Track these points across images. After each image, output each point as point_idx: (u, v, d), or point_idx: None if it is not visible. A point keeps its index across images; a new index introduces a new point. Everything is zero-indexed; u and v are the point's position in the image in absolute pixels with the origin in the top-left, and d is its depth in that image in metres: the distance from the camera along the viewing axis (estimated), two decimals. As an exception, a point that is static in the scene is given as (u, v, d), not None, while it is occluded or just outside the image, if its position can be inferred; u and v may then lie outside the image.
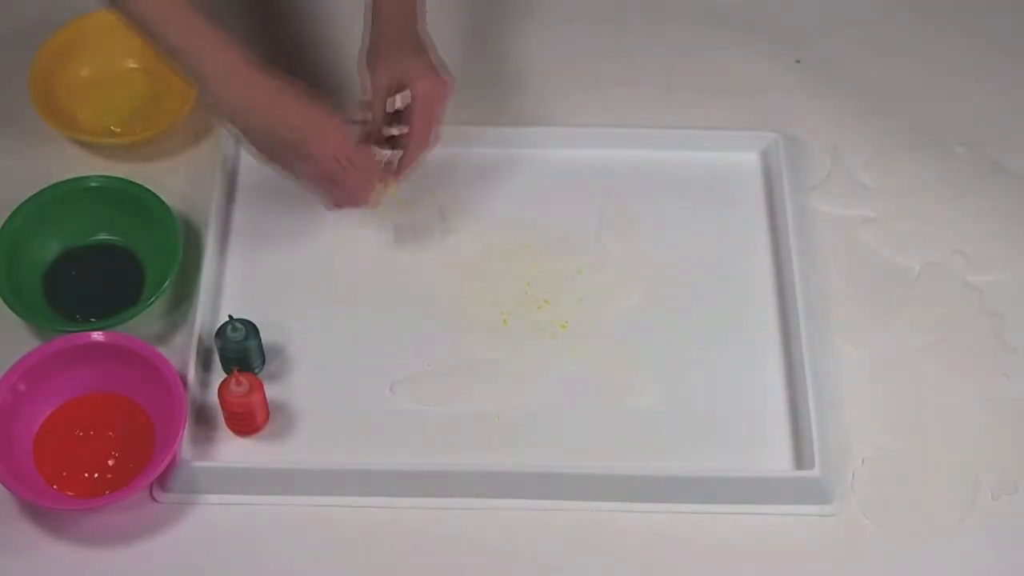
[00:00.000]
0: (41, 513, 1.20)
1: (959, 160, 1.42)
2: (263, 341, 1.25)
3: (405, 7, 1.30)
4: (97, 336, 1.24)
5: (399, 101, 1.28)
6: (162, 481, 1.20)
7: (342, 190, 1.27)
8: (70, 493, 1.21)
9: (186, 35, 1.20)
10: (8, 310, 1.27)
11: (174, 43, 1.20)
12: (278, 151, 1.25)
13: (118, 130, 1.41)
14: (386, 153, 1.29)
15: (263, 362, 1.27)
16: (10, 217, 1.31)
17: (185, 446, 1.21)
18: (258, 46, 1.24)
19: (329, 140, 1.24)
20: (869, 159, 1.42)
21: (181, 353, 1.26)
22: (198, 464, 1.21)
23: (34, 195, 1.32)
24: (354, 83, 1.33)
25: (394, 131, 1.29)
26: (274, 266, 1.33)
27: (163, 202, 1.32)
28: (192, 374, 1.24)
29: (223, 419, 1.24)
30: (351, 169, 1.25)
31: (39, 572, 1.18)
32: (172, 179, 1.37)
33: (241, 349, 1.23)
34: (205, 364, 1.27)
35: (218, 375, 1.26)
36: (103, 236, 1.34)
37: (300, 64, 1.44)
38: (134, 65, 1.45)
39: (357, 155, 1.26)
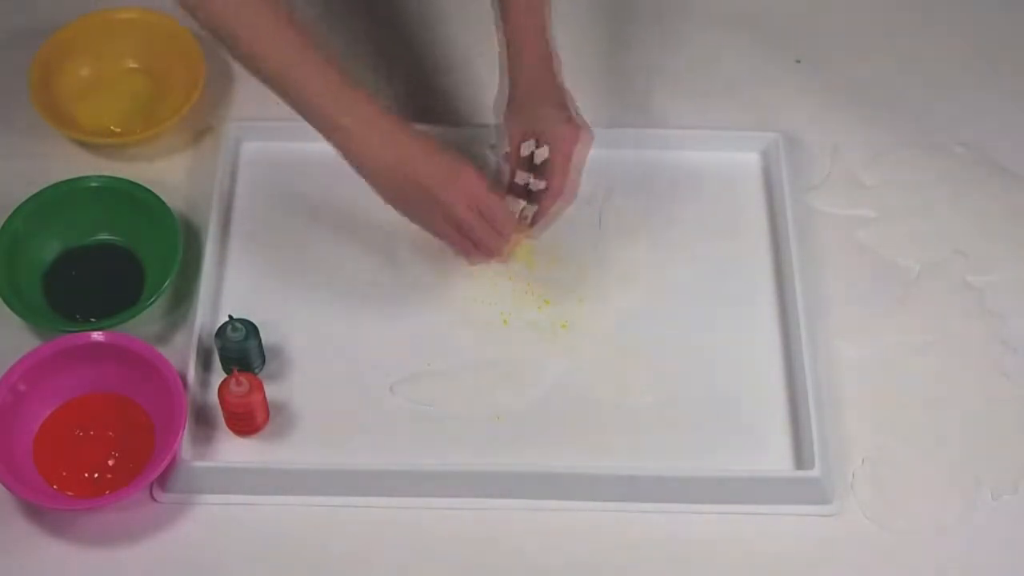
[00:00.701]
0: (41, 513, 1.20)
1: (959, 160, 1.42)
2: (263, 341, 1.25)
3: (539, 55, 1.27)
4: (97, 336, 1.24)
5: (533, 151, 1.26)
6: (162, 481, 1.20)
7: (475, 242, 1.25)
8: (70, 493, 1.21)
9: (318, 93, 1.18)
10: (8, 310, 1.27)
11: (306, 101, 1.19)
12: (412, 204, 1.24)
13: (118, 130, 1.41)
14: (521, 204, 1.28)
15: (263, 362, 1.27)
16: (10, 217, 1.31)
17: (185, 446, 1.21)
18: (385, 94, 1.23)
19: (461, 191, 1.22)
20: (869, 159, 1.42)
21: (181, 353, 1.26)
22: (198, 464, 1.21)
23: (34, 195, 1.32)
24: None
25: (529, 181, 1.27)
26: (274, 266, 1.33)
27: (163, 202, 1.32)
28: (192, 374, 1.24)
29: (223, 419, 1.24)
30: (484, 221, 1.24)
31: (39, 572, 1.18)
32: (172, 179, 1.37)
33: (241, 349, 1.23)
34: (205, 364, 1.27)
35: (218, 375, 1.26)
36: (103, 236, 1.34)
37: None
38: (134, 65, 1.45)
39: (491, 205, 1.24)
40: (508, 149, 1.28)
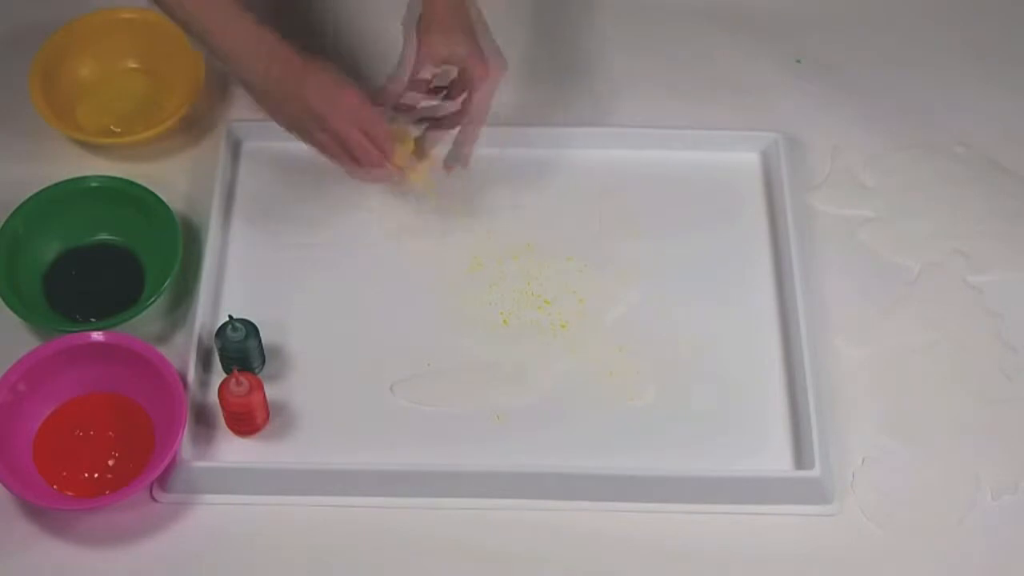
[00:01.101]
0: (41, 513, 1.20)
1: (959, 160, 1.42)
2: (263, 341, 1.25)
3: None
4: (97, 336, 1.24)
5: (433, 75, 1.28)
6: (162, 481, 1.20)
7: (354, 159, 1.27)
8: (70, 493, 1.21)
9: (211, 16, 1.22)
10: (8, 310, 1.27)
11: (201, 25, 1.22)
12: (293, 120, 1.25)
13: (118, 130, 1.41)
14: (410, 128, 1.30)
15: (263, 362, 1.27)
16: (10, 217, 1.31)
17: (185, 446, 1.21)
18: (285, 29, 1.25)
19: (342, 107, 1.24)
20: (869, 159, 1.42)
21: (181, 353, 1.26)
22: (198, 464, 1.21)
23: (34, 195, 1.32)
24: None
25: (433, 103, 1.30)
26: (274, 266, 1.33)
27: (163, 202, 1.32)
28: (192, 374, 1.24)
29: (223, 419, 1.24)
30: (365, 138, 1.25)
31: (39, 572, 1.18)
32: (172, 179, 1.37)
33: (241, 349, 1.23)
34: (205, 364, 1.27)
35: (218, 375, 1.26)
36: (103, 236, 1.34)
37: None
38: (134, 65, 1.45)
39: (372, 121, 1.25)
40: (408, 67, 1.29)
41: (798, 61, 1.50)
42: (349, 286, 1.32)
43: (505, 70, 1.29)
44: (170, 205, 1.32)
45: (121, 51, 1.44)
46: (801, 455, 1.23)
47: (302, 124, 1.25)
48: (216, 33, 1.23)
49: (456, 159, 1.31)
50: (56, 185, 1.33)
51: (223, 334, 1.23)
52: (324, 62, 1.25)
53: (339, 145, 1.25)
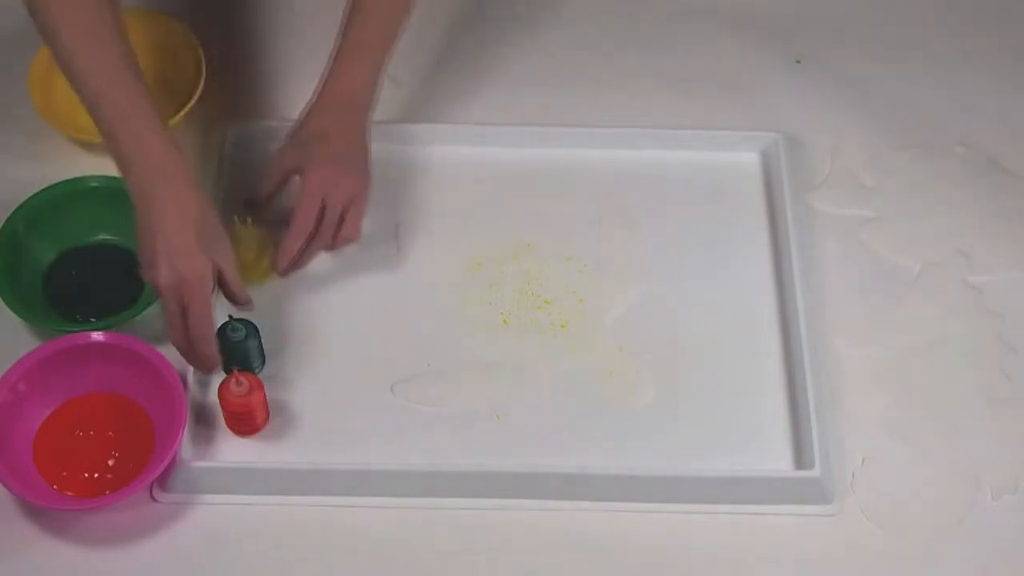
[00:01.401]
0: (41, 513, 1.20)
1: (959, 160, 1.42)
2: (263, 341, 1.25)
3: (351, 89, 1.27)
4: (97, 336, 1.24)
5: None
6: (162, 481, 1.20)
7: (176, 338, 1.19)
8: (70, 493, 1.21)
9: (115, 117, 1.17)
10: (8, 310, 1.27)
11: (106, 124, 1.17)
12: (143, 243, 1.17)
13: (118, 130, 1.41)
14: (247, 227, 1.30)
15: (263, 362, 1.27)
16: (10, 217, 1.31)
17: (185, 446, 1.21)
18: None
19: (177, 275, 1.15)
20: (869, 159, 1.42)
21: (181, 353, 1.26)
22: (198, 464, 1.21)
23: (34, 195, 1.32)
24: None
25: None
26: (274, 266, 1.33)
27: (163, 202, 1.32)
28: (192, 374, 1.24)
29: (223, 419, 1.24)
30: (184, 319, 1.17)
31: (39, 572, 1.18)
32: (172, 179, 1.37)
33: (241, 349, 1.23)
34: (205, 364, 1.27)
35: (218, 375, 1.25)
36: (103, 236, 1.34)
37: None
38: (134, 65, 1.45)
39: (199, 315, 1.16)
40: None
41: (798, 61, 1.50)
42: (349, 286, 1.32)
43: (363, 190, 1.26)
44: (170, 205, 1.32)
45: (121, 51, 1.44)
46: (801, 455, 1.23)
47: (144, 248, 1.17)
48: (119, 137, 1.16)
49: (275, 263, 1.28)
50: (56, 185, 1.32)
51: (223, 334, 1.23)
52: (209, 213, 1.18)
53: (164, 305, 1.18)
